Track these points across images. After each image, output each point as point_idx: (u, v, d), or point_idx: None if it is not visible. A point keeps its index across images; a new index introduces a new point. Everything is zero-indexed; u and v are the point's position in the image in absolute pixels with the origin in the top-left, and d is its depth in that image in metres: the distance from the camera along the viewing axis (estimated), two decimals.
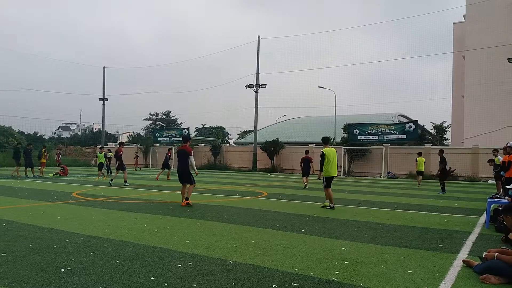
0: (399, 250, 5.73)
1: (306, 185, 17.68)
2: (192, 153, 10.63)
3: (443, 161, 16.16)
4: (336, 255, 5.33)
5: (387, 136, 31.01)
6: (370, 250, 5.64)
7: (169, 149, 24.49)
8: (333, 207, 10.18)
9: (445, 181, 16.20)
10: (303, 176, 18.47)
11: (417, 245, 6.03)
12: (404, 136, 30.46)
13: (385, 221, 8.31)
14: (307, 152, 19.57)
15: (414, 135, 30.56)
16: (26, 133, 66.96)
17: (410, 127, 30.59)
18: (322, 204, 10.53)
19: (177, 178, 10.72)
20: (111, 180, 17.05)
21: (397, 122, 38.66)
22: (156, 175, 22.23)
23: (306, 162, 18.59)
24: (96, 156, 23.45)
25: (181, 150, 10.70)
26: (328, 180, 10.46)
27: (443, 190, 15.77)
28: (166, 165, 21.98)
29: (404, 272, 4.61)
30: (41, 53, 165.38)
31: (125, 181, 16.90)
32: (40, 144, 44.84)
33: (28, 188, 14.58)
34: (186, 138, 12.00)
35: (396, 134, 30.70)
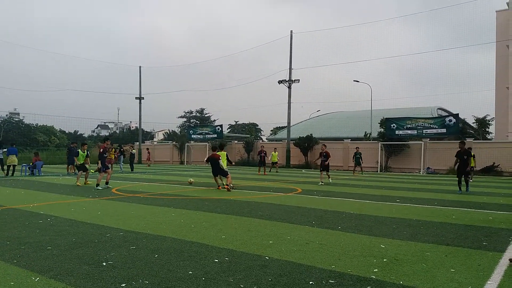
0: (441, 248, 5.53)
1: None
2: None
3: (466, 154, 13.89)
4: (374, 252, 5.21)
5: (426, 130, 30.05)
6: (409, 248, 5.48)
7: (262, 147, 28.42)
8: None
9: (468, 178, 14.06)
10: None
11: (460, 243, 5.79)
12: (444, 130, 29.41)
13: (425, 218, 8.06)
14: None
15: (454, 129, 29.44)
16: (67, 131, 70.01)
17: (450, 121, 29.51)
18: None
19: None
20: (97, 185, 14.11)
21: (437, 115, 37.38)
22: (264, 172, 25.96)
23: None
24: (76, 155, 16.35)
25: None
26: None
27: (460, 189, 13.81)
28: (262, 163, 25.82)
29: (447, 270, 4.44)
30: (79, 54, 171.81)
31: (107, 183, 14.41)
32: (80, 143, 46.80)
33: (70, 185, 15.18)
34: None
35: (435, 128, 29.70)
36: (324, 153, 17.09)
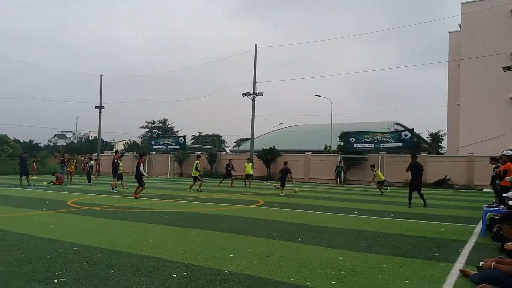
0: (396, 259, 5.70)
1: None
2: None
3: (413, 168, 13.52)
4: (333, 264, 5.29)
5: (383, 144, 31.06)
6: (367, 259, 5.61)
7: (230, 160, 26.48)
8: None
9: (422, 192, 13.76)
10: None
11: (414, 254, 6.00)
12: (400, 144, 30.52)
13: (381, 230, 8.29)
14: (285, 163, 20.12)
15: (410, 143, 30.62)
16: (21, 141, 66.70)
17: (406, 135, 30.69)
18: None
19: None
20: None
21: (393, 130, 38.78)
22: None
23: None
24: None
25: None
26: None
27: (410, 203, 13.46)
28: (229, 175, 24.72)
29: (401, 282, 4.58)
30: (38, 62, 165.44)
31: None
32: (35, 152, 44.73)
33: (23, 197, 14.45)
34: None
35: (392, 142, 30.77)
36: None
